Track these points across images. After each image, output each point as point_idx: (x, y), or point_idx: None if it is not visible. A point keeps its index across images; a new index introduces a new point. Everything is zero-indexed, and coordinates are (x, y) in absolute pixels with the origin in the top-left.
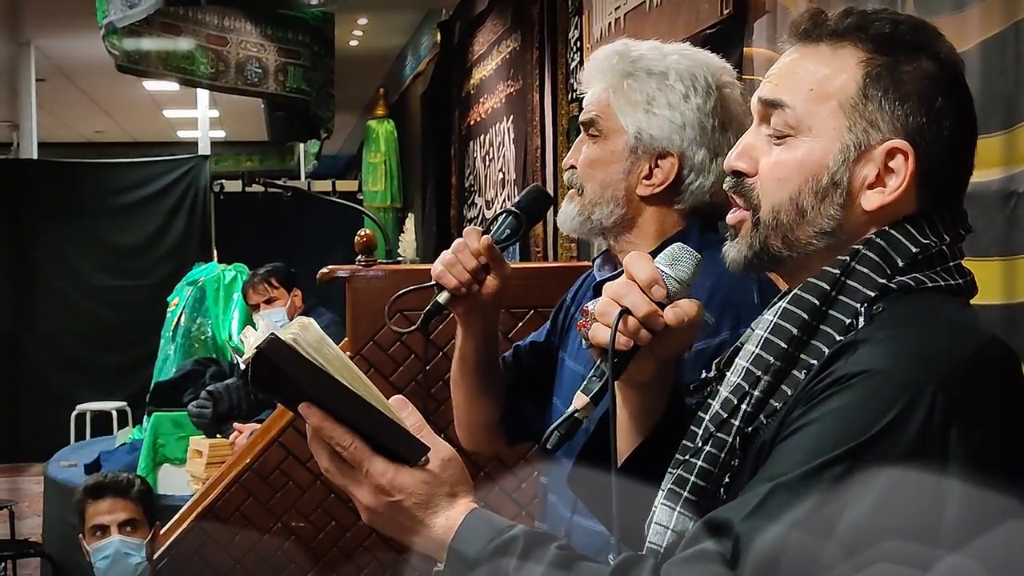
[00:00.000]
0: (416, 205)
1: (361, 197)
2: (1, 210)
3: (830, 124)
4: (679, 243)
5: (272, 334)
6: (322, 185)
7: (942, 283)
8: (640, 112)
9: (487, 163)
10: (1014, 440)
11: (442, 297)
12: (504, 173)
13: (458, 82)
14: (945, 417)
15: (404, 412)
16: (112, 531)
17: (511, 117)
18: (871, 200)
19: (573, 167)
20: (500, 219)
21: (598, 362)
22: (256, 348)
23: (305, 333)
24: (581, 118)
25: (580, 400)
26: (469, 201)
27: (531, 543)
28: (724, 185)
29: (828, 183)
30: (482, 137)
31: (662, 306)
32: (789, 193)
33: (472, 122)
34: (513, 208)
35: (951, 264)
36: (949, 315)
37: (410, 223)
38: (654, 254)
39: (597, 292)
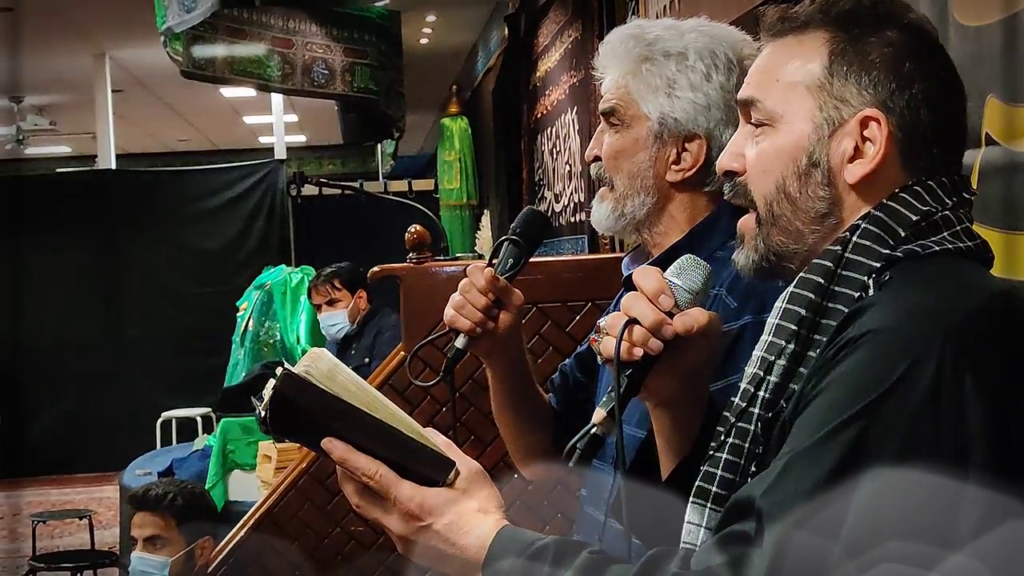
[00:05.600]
0: (492, 201)
1: (437, 196)
2: (84, 220)
3: (801, 108)
4: (688, 255)
5: (284, 370)
6: (399, 185)
7: (950, 247)
8: (662, 96)
9: (554, 156)
10: None
11: (460, 342)
12: (571, 165)
13: (525, 75)
14: (957, 368)
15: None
16: (139, 546)
17: (575, 108)
18: (853, 172)
19: (598, 158)
20: (501, 250)
21: (615, 376)
22: (272, 388)
23: (317, 363)
24: (601, 107)
25: (599, 415)
26: (540, 195)
27: (562, 550)
28: (724, 190)
29: (807, 164)
30: (549, 130)
31: (672, 315)
32: (775, 182)
33: (539, 115)
34: (511, 236)
35: (958, 228)
36: (958, 273)
37: (486, 220)
38: (687, 241)
39: (627, 285)
